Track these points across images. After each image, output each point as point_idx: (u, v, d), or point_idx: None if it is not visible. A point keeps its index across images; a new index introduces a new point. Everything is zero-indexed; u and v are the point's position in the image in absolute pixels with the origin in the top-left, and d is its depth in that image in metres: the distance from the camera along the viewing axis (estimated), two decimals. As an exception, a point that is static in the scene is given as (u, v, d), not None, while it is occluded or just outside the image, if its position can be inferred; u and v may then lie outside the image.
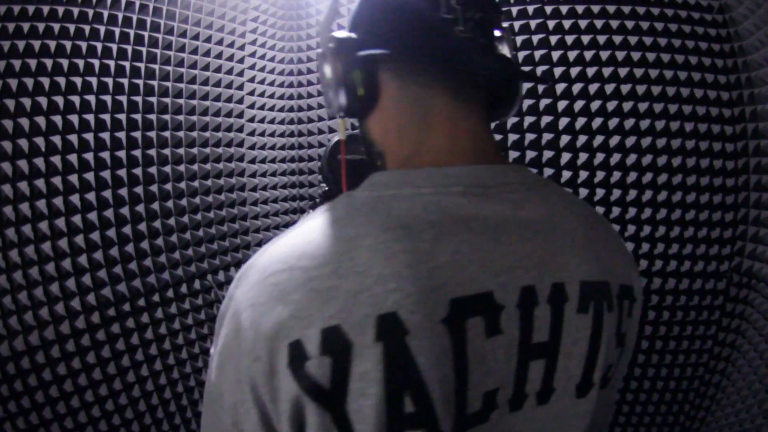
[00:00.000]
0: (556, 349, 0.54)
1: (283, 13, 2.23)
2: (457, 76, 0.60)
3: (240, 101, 2.09)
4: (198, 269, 1.94)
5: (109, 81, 1.60)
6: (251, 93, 2.13)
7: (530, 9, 1.74)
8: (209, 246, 2.00)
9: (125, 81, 1.64)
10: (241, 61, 2.06)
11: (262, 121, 2.20)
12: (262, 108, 2.20)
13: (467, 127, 0.60)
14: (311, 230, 0.53)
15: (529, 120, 1.80)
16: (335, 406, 0.47)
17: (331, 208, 0.55)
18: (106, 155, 1.62)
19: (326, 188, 1.33)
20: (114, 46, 1.59)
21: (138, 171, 1.71)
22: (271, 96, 2.24)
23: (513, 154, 1.82)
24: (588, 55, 1.71)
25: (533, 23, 1.74)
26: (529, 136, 1.81)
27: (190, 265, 1.91)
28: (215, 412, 0.53)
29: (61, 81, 1.48)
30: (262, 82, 2.18)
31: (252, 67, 2.12)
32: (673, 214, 1.70)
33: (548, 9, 1.73)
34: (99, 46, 1.55)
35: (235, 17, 2.00)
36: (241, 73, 2.07)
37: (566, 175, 1.79)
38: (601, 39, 1.69)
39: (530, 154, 1.81)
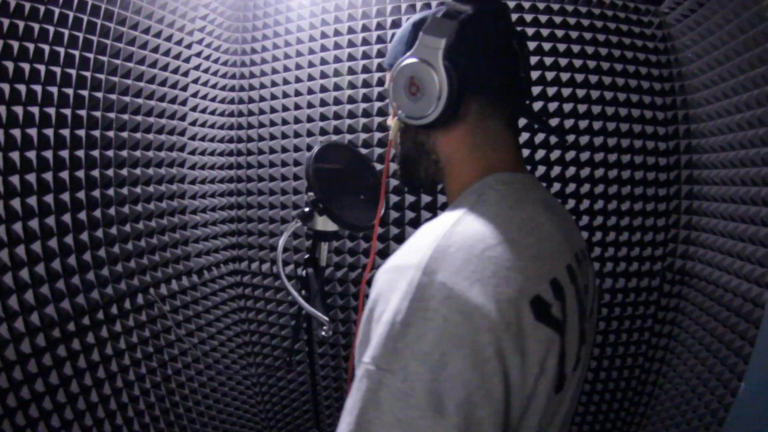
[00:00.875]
0: (587, 286, 0.74)
1: (231, 14, 2.10)
2: (518, 114, 0.78)
3: (183, 103, 1.92)
4: (141, 282, 1.74)
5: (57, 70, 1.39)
6: (194, 95, 1.98)
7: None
8: (150, 257, 1.80)
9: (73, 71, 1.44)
10: (187, 60, 1.90)
11: (203, 125, 2.05)
12: (204, 111, 2.05)
13: (516, 148, 0.76)
14: (492, 213, 0.63)
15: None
16: (562, 337, 0.61)
17: (488, 199, 0.66)
18: (49, 154, 1.40)
19: (313, 196, 1.26)
20: (66, 32, 1.39)
21: (81, 173, 1.51)
22: (213, 99, 2.09)
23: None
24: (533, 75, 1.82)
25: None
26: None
27: (133, 278, 1.71)
28: (429, 425, 0.50)
29: (10, 65, 1.26)
30: (205, 84, 2.03)
31: (197, 68, 1.96)
32: (609, 221, 1.85)
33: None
34: (51, 30, 1.34)
35: (185, 13, 1.84)
36: (186, 74, 1.91)
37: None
38: (548, 60, 1.80)
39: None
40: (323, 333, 1.34)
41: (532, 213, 0.66)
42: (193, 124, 1.98)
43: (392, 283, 0.56)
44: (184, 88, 1.91)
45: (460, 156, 0.73)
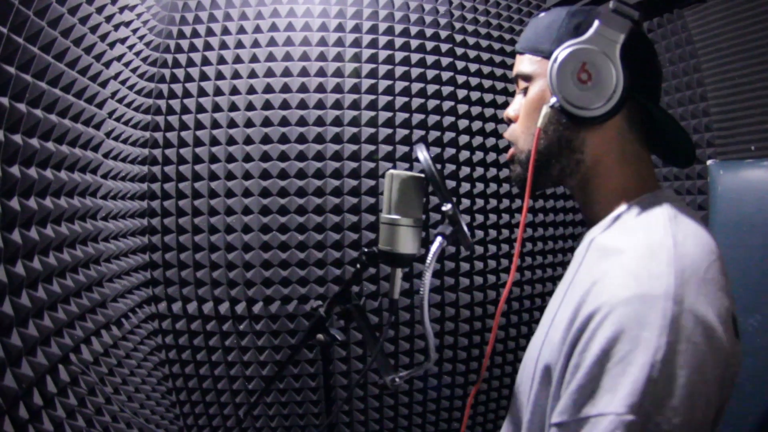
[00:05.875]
0: None
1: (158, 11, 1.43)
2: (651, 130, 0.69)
3: (100, 106, 1.21)
4: (60, 347, 0.98)
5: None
6: (114, 81, 1.27)
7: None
8: (65, 307, 1.05)
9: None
10: (107, 65, 1.20)
11: (119, 119, 1.33)
12: (121, 101, 1.33)
13: (651, 167, 0.67)
14: (693, 232, 0.57)
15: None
16: None
17: (680, 216, 0.59)
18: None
19: (450, 209, 0.78)
20: None
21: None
22: (132, 87, 1.39)
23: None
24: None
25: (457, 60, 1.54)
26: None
27: (49, 343, 0.95)
28: None
29: None
30: (125, 82, 1.32)
31: (119, 59, 1.27)
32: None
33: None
34: None
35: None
36: (105, 81, 1.21)
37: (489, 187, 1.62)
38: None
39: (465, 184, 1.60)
40: (398, 379, 0.87)
41: (707, 232, 0.59)
42: (110, 115, 1.27)
43: (639, 317, 0.48)
44: (104, 83, 1.20)
45: (610, 160, 0.64)
